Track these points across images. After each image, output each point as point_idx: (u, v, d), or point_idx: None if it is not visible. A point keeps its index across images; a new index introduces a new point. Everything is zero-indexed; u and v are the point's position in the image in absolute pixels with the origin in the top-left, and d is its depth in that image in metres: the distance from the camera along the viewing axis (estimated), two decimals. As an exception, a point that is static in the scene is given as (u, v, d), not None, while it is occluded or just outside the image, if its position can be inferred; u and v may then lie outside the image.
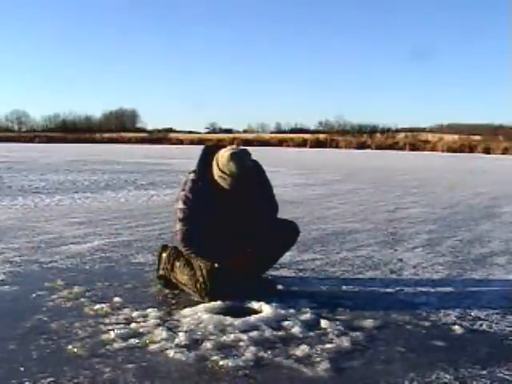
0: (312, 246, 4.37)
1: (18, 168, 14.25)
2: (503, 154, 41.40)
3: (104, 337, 2.31)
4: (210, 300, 2.76)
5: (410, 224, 5.67)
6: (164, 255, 3.08)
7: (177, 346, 2.22)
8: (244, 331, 2.37)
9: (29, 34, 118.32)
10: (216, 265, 2.83)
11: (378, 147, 49.53)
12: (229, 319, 2.50)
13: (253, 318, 2.54)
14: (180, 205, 2.86)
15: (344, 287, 3.19)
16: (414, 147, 48.55)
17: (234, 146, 2.92)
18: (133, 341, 2.26)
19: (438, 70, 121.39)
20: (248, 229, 2.93)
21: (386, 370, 2.04)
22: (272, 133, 67.20)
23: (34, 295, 2.91)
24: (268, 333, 2.37)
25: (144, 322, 2.50)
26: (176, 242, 2.93)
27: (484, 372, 2.03)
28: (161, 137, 60.41)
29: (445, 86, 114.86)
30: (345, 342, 2.29)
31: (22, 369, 1.99)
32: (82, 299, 2.85)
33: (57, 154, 24.79)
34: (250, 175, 2.83)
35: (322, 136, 57.16)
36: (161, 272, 3.09)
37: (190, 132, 69.97)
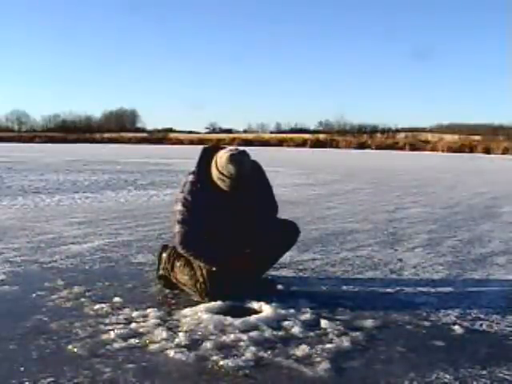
0: (312, 246, 4.37)
1: (18, 168, 14.25)
2: (503, 154, 41.41)
3: (104, 337, 2.31)
4: (210, 300, 2.76)
5: (410, 224, 5.67)
6: (164, 255, 3.08)
7: (177, 345, 2.22)
8: (244, 331, 2.37)
9: (29, 33, 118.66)
10: (214, 269, 2.83)
11: (378, 147, 49.53)
12: (229, 319, 2.50)
13: (253, 317, 2.54)
14: (179, 207, 2.85)
15: (344, 287, 3.19)
16: (414, 147, 48.56)
17: (233, 148, 2.92)
18: (133, 341, 2.26)
19: (438, 69, 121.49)
20: (248, 229, 2.93)
21: (386, 370, 2.04)
22: (272, 133, 67.21)
23: (34, 295, 2.91)
24: (268, 333, 2.37)
25: (144, 322, 2.50)
26: (175, 244, 2.93)
27: (484, 372, 2.03)
28: (161, 137, 60.40)
29: (445, 86, 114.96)
30: (345, 342, 2.29)
31: (22, 369, 1.99)
32: (82, 299, 2.85)
33: (57, 154, 24.79)
34: (249, 176, 2.83)
35: (322, 136, 57.21)
36: (161, 272, 3.09)
37: (190, 132, 70.03)
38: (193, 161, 2.97)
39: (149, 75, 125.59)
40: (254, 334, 2.35)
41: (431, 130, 62.81)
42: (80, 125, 69.09)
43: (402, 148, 48.91)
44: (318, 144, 52.25)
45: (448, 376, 1.98)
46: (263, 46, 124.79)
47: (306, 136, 57.80)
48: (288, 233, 3.12)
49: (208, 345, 2.22)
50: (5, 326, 2.45)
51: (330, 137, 55.88)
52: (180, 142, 56.78)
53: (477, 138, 51.36)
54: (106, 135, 60.79)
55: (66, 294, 2.92)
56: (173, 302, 2.85)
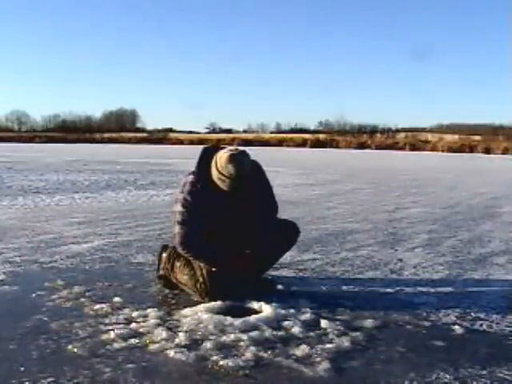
0: (312, 245, 4.37)
1: (18, 168, 14.25)
2: (503, 153, 41.44)
3: (104, 337, 2.31)
4: (210, 300, 2.76)
5: (410, 224, 5.67)
6: (164, 255, 3.08)
7: (177, 346, 2.22)
8: (244, 331, 2.37)
9: (29, 34, 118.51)
10: (214, 269, 2.83)
11: (378, 147, 49.54)
12: (229, 319, 2.50)
13: (253, 317, 2.54)
14: (178, 207, 2.85)
15: (344, 287, 3.19)
16: (414, 147, 48.57)
17: (233, 148, 2.92)
18: (133, 341, 2.26)
19: (438, 69, 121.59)
20: (248, 229, 2.93)
21: (386, 370, 2.04)
22: (272, 133, 67.17)
23: (34, 295, 2.91)
24: (268, 333, 2.37)
25: (144, 322, 2.50)
26: (175, 244, 2.93)
27: (484, 372, 2.03)
28: (161, 137, 60.39)
29: (445, 86, 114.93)
30: (345, 342, 2.28)
31: (22, 369, 1.99)
32: (82, 299, 2.85)
33: (57, 154, 24.78)
34: (249, 176, 2.83)
35: (322, 136, 57.21)
36: (161, 272, 3.09)
37: (190, 132, 69.98)
38: (193, 161, 2.97)
39: (149, 75, 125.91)
40: (254, 333, 2.35)
41: (431, 130, 62.77)
42: (80, 125, 69.05)
43: (402, 148, 48.91)
44: (318, 144, 52.25)
45: (448, 376, 1.98)
46: (263, 46, 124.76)
47: (306, 136, 57.79)
48: (288, 233, 3.12)
49: (208, 345, 2.22)
50: (5, 326, 2.45)
51: (329, 137, 55.88)
52: (180, 142, 56.77)
53: (477, 138, 51.37)
54: (106, 135, 60.75)
55: (66, 294, 2.92)
56: (173, 302, 2.85)
